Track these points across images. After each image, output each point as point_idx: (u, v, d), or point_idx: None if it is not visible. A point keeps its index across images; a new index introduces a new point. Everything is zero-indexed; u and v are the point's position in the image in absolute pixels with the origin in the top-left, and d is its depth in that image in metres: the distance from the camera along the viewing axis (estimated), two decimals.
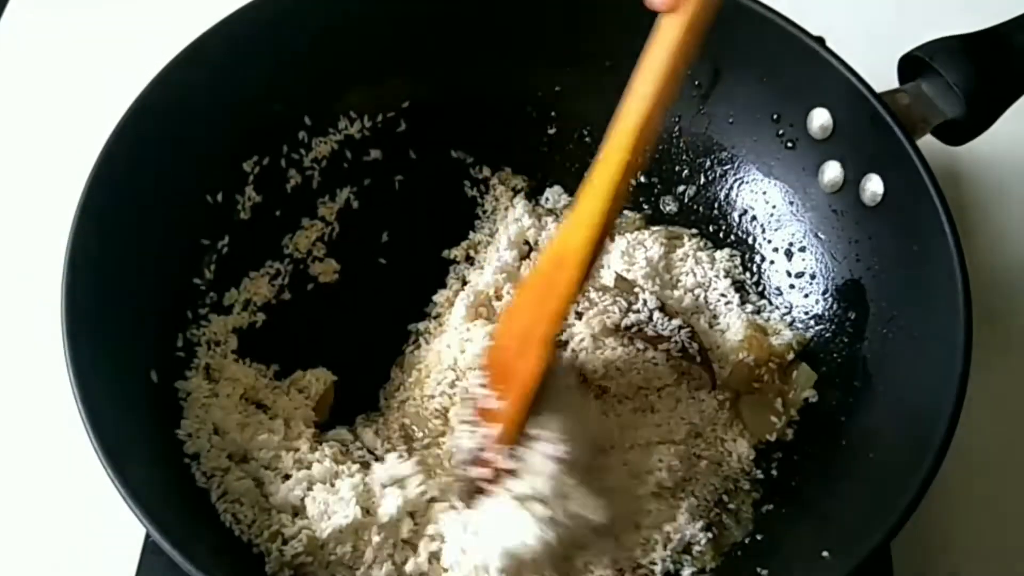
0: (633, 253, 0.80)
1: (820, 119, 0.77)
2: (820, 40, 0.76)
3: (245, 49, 0.77)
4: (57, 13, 1.01)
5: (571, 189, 0.85)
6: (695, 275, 0.81)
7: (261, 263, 0.80)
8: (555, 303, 0.65)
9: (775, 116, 0.80)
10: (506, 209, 0.84)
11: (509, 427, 0.66)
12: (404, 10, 0.81)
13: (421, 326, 0.80)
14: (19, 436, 0.79)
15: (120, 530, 0.70)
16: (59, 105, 0.94)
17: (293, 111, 0.81)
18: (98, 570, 0.73)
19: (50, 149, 0.91)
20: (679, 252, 0.83)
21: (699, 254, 0.82)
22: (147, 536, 0.72)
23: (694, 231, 0.84)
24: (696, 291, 0.81)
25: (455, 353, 0.75)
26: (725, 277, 0.81)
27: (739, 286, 0.81)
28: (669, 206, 0.85)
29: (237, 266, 0.79)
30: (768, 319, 0.80)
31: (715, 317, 0.80)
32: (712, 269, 0.82)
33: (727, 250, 0.83)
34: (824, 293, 0.79)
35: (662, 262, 0.81)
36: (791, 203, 0.81)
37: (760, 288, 0.82)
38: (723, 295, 0.81)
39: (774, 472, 0.74)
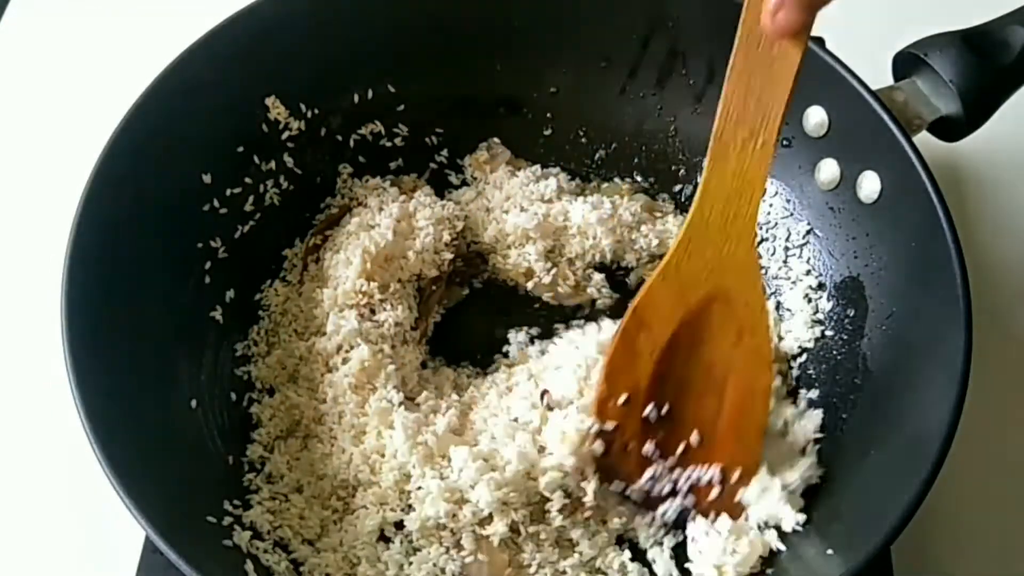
0: (600, 206, 0.81)
1: (816, 117, 0.77)
2: (820, 41, 0.76)
3: (243, 53, 0.77)
4: (57, 14, 1.02)
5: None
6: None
7: (261, 268, 0.81)
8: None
9: None
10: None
11: None
12: (399, 13, 0.81)
13: None
14: (20, 437, 0.79)
15: (120, 530, 0.71)
16: (59, 106, 0.95)
17: (290, 115, 0.81)
18: (98, 570, 0.74)
19: (50, 150, 0.92)
20: (658, 225, 0.83)
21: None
22: (147, 536, 0.72)
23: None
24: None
25: None
26: None
27: None
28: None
29: (237, 269, 0.79)
30: None
31: None
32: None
33: None
34: (823, 291, 0.79)
35: (631, 221, 0.81)
36: (788, 201, 0.81)
37: None
38: None
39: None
